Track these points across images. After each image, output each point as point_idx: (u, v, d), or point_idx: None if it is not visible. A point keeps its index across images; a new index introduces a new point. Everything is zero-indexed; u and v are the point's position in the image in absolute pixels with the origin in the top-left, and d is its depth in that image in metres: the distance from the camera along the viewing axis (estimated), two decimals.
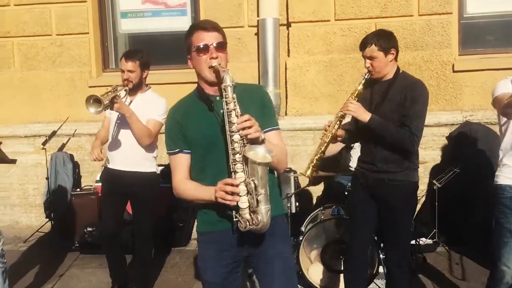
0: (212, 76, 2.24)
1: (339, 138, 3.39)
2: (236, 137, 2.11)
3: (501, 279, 3.04)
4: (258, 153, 2.08)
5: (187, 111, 2.32)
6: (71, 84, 6.16)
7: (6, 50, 6.25)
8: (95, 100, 3.57)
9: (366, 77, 3.26)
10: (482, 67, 5.47)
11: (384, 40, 3.19)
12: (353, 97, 3.26)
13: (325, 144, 3.29)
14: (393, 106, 3.17)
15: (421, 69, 5.56)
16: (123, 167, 3.92)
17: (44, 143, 5.60)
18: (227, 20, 5.83)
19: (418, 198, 5.44)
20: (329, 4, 5.63)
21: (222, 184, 2.09)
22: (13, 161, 3.18)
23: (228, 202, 2.09)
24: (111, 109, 3.70)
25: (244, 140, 2.11)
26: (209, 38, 2.24)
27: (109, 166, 4.01)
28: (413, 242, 4.78)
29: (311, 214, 4.36)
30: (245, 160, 2.10)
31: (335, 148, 4.88)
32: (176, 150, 2.31)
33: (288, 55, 5.78)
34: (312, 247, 4.08)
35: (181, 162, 2.32)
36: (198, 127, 2.27)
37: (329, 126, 3.31)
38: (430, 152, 5.49)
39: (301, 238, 4.05)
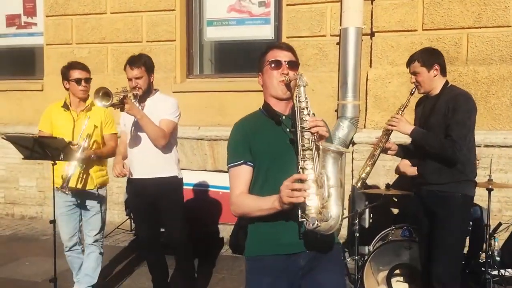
0: (282, 90, 2.28)
1: (389, 152, 3.54)
2: (307, 134, 2.09)
3: None
4: (332, 145, 2.10)
5: (255, 125, 2.32)
6: None
7: (101, 55, 6.68)
8: (105, 94, 3.43)
9: (412, 92, 3.44)
10: None
11: (427, 56, 3.34)
12: (400, 112, 3.43)
13: (375, 156, 3.48)
14: (439, 118, 3.25)
15: None
16: (144, 175, 3.82)
17: None
18: (309, 29, 5.77)
19: (508, 225, 5.04)
20: (417, 13, 5.35)
21: (289, 181, 1.99)
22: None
23: (295, 200, 1.96)
24: (121, 110, 3.58)
25: (316, 136, 2.08)
26: (283, 56, 2.32)
27: (131, 177, 3.91)
28: (495, 272, 4.37)
29: (381, 233, 4.14)
30: (316, 155, 2.06)
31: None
32: (240, 162, 2.25)
33: (370, 66, 5.57)
34: (379, 268, 3.87)
35: (243, 175, 2.26)
36: (265, 140, 2.25)
37: (378, 140, 3.51)
38: None
39: (366, 257, 3.85)
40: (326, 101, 5.73)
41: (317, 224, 1.96)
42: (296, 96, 2.18)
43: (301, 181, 2.00)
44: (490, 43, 5.15)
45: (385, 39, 5.46)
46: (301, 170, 2.06)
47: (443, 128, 3.22)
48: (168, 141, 3.76)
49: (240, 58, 6.61)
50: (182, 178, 4.00)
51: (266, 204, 2.12)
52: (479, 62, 5.20)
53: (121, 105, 3.53)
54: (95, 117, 3.91)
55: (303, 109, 2.13)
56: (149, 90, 3.84)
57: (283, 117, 2.29)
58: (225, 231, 5.70)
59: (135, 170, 3.87)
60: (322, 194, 1.97)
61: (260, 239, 2.26)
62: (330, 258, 2.24)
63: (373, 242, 4.14)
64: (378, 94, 5.50)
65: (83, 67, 3.94)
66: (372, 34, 5.53)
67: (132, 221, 6.16)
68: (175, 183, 3.92)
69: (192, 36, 6.54)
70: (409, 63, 3.40)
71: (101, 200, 4.07)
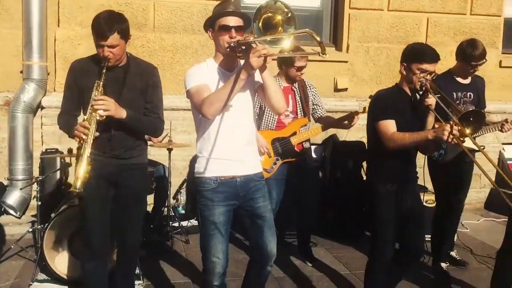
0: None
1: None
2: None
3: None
4: None
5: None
6: None
7: None
8: None
9: None
10: None
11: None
12: None
13: None
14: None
15: None
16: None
17: None
18: None
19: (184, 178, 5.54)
20: None
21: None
22: None
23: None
24: None
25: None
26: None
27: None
28: (176, 224, 4.80)
29: (62, 202, 4.04)
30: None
31: None
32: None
33: (58, 26, 5.29)
34: (59, 235, 3.77)
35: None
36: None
37: None
38: None
39: (47, 225, 3.70)
40: (9, 61, 5.24)
41: None
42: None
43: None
44: (174, 13, 5.48)
45: None
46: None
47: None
48: None
49: None
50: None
51: None
52: (165, 30, 5.49)
53: None
54: None
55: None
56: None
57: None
58: None
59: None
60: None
61: None
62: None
63: (57, 207, 4.02)
64: (67, 56, 5.27)
65: None
66: None
67: None
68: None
69: None
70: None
71: None
